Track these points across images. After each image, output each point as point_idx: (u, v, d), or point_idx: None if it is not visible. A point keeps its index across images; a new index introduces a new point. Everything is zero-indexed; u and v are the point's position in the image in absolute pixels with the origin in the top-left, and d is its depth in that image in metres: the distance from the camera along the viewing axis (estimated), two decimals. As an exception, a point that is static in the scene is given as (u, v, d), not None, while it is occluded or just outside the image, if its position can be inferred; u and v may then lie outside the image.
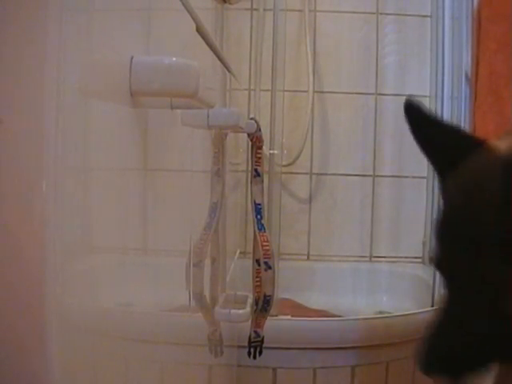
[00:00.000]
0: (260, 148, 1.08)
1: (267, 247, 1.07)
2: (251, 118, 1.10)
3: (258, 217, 1.08)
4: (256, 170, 1.08)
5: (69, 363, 0.46)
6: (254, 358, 1.14)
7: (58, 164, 0.41)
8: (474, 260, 0.59)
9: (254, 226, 1.09)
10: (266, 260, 1.06)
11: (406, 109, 0.70)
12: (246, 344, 1.13)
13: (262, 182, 1.09)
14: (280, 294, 1.70)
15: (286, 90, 1.80)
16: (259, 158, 1.09)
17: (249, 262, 1.12)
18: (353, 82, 2.01)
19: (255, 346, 1.14)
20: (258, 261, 1.09)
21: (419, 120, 0.69)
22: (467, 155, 0.63)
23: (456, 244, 0.61)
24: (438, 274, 1.56)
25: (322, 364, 1.33)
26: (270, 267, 1.06)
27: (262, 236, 1.07)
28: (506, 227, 0.54)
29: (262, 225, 1.08)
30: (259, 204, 1.08)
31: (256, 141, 1.07)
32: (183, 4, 0.78)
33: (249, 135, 1.07)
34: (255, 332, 1.12)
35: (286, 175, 1.98)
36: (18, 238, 0.41)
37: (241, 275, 1.45)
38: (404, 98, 0.69)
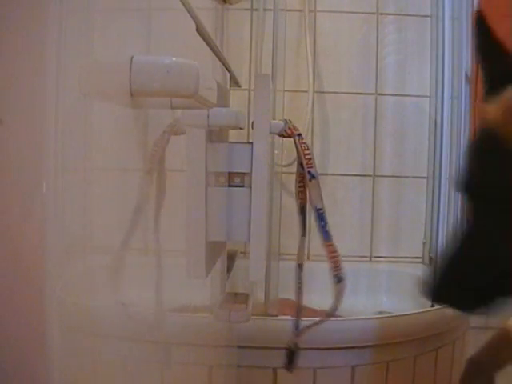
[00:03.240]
0: (300, 136, 0.97)
1: (336, 258, 0.96)
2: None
3: (322, 223, 0.94)
4: (310, 173, 0.98)
5: (69, 363, 0.46)
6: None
7: (58, 164, 0.41)
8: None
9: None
10: (336, 273, 0.98)
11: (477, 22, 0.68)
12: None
13: (319, 184, 0.98)
14: (280, 293, 1.70)
15: (286, 90, 1.80)
16: (309, 158, 0.99)
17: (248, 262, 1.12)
18: (353, 81, 2.01)
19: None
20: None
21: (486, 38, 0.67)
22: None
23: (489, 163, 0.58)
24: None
25: (322, 364, 1.33)
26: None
27: (329, 246, 0.94)
28: None
29: (327, 232, 0.93)
30: (320, 209, 0.94)
31: (291, 133, 0.97)
32: (183, 4, 0.78)
33: (280, 135, 0.99)
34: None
35: (286, 175, 1.98)
36: (19, 238, 0.41)
37: (241, 275, 1.45)
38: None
